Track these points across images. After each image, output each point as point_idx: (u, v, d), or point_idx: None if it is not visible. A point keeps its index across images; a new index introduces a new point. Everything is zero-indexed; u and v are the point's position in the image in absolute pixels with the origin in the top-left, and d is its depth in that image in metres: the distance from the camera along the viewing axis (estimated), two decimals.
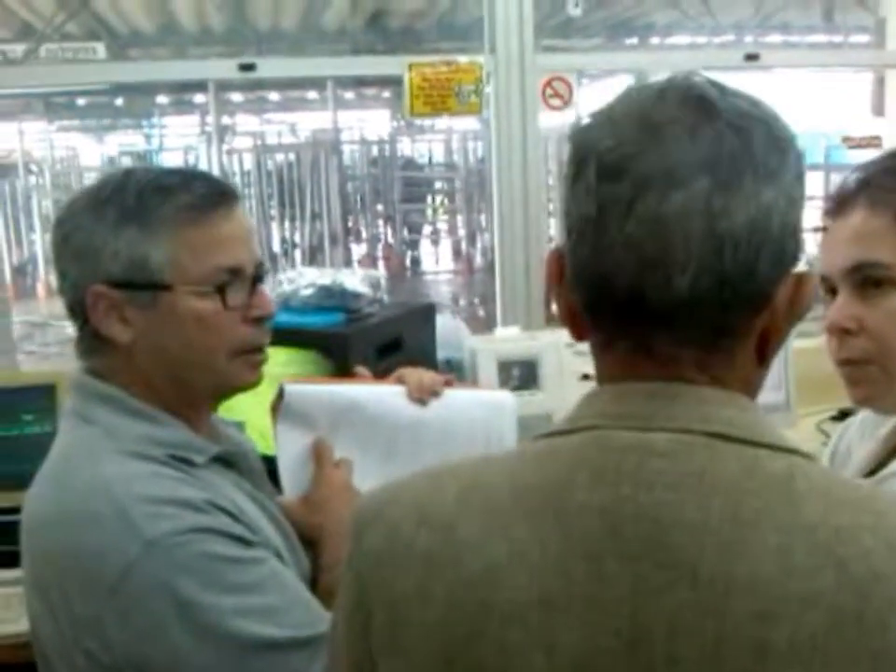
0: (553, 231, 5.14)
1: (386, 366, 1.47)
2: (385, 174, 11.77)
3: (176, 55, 9.09)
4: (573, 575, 0.60)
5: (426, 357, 1.82)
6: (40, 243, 10.94)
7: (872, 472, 1.11)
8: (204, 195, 1.04)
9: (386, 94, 13.26)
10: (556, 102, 2.70)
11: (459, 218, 12.02)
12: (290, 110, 14.00)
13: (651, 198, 0.61)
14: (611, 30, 9.69)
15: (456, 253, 12.22)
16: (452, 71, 2.56)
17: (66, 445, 1.04)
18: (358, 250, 11.79)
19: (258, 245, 1.15)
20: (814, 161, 9.07)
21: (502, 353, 1.99)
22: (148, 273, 1.02)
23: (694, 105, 0.63)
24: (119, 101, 13.06)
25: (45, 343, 8.49)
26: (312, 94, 12.85)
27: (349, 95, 13.29)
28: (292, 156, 10.79)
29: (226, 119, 11.57)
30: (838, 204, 1.04)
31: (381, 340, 1.74)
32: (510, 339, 2.11)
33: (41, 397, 1.82)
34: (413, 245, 12.60)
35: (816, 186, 7.56)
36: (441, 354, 1.96)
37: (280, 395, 1.23)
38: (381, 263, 11.20)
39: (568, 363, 1.96)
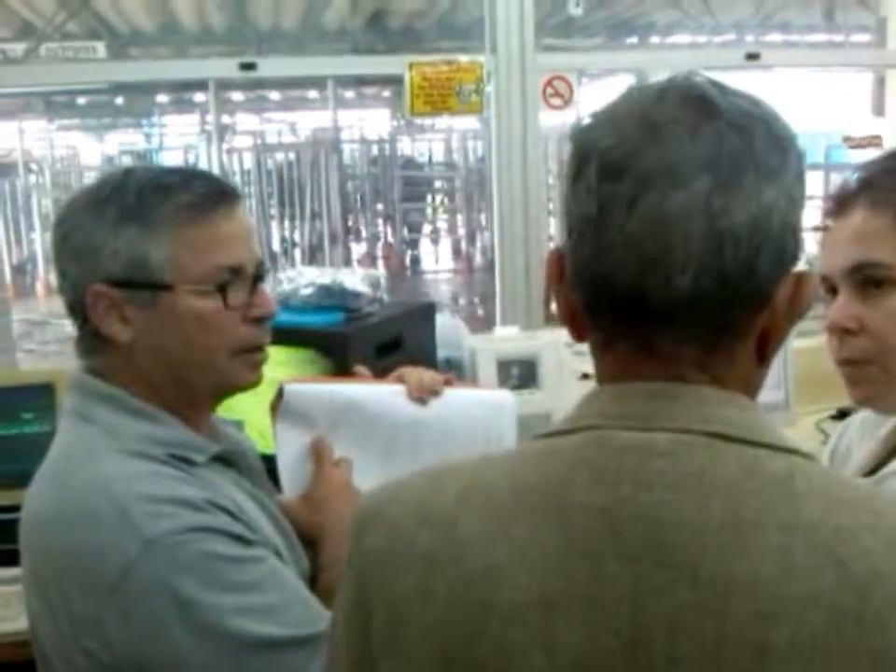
0: (553, 230, 5.15)
1: (386, 365, 1.47)
2: (385, 173, 11.76)
3: (177, 54, 9.08)
4: (573, 575, 0.60)
5: (425, 357, 1.82)
6: (40, 242, 10.93)
7: (872, 472, 1.11)
8: (205, 194, 1.04)
9: (387, 94, 13.25)
10: (557, 101, 2.70)
11: (459, 218, 12.02)
12: (290, 109, 13.98)
13: (652, 197, 0.61)
14: (612, 29, 9.68)
15: (456, 252, 12.21)
16: (452, 70, 2.56)
17: (66, 444, 1.04)
18: (358, 249, 11.78)
19: (258, 245, 1.15)
20: (814, 160, 9.06)
21: (502, 352, 1.99)
22: (148, 273, 1.01)
23: (695, 105, 0.63)
24: (120, 100, 13.05)
25: (44, 341, 8.49)
26: (312, 93, 12.84)
27: (349, 94, 13.28)
28: (292, 155, 10.77)
29: (226, 119, 11.55)
30: (839, 204, 1.04)
31: (380, 339, 1.74)
32: (509, 338, 2.12)
33: (40, 395, 1.82)
34: (413, 244, 12.60)
35: (816, 185, 7.56)
36: (440, 353, 1.96)
37: (279, 394, 1.23)
38: (381, 262, 11.20)
39: (568, 362, 1.97)
